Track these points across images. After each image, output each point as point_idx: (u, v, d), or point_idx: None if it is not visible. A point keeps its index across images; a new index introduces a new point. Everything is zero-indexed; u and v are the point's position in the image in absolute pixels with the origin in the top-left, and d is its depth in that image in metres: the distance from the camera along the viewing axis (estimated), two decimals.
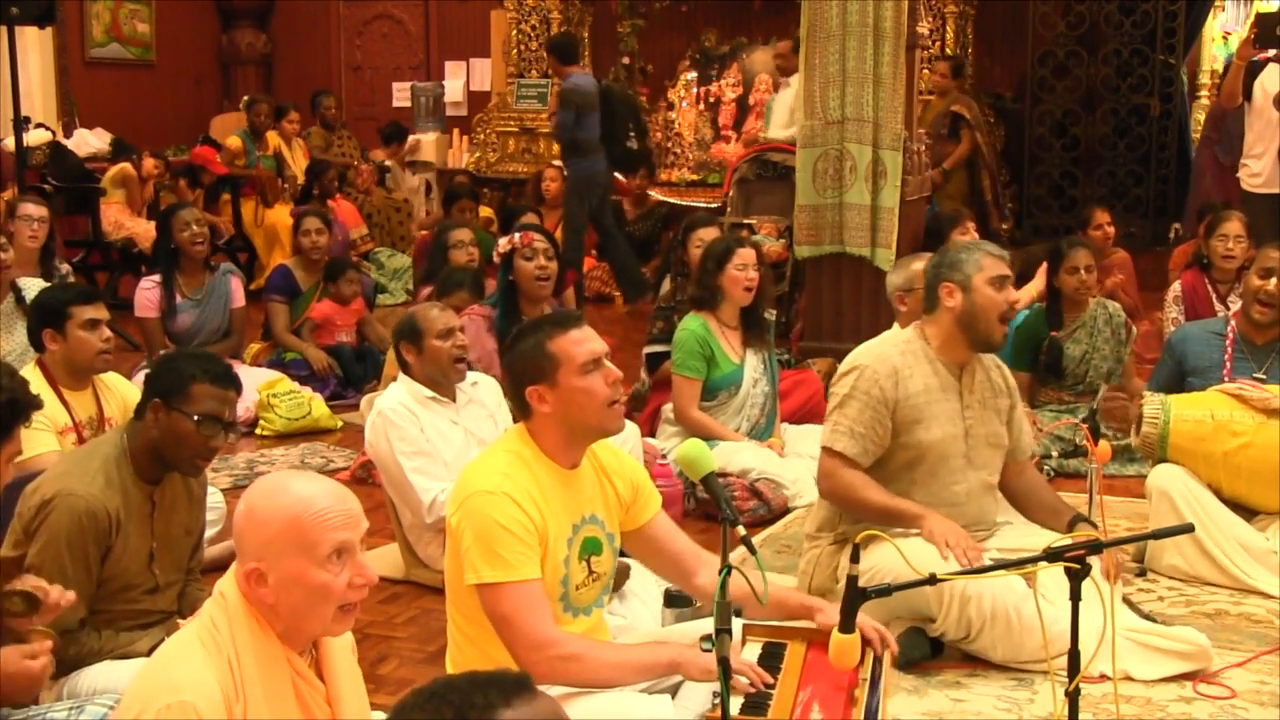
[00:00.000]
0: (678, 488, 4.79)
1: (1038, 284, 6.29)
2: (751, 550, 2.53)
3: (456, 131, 11.90)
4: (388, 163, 11.22)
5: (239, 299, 6.57)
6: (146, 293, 6.38)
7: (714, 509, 3.08)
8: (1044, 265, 5.90)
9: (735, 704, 2.52)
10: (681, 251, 5.88)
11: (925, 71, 9.10)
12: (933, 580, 2.51)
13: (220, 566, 2.81)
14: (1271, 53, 7.73)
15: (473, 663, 2.78)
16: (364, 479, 5.14)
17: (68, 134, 10.68)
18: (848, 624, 2.42)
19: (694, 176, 10.56)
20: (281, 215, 9.65)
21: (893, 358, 3.62)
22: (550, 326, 2.87)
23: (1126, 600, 3.71)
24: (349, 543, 2.12)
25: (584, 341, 2.84)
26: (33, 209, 6.37)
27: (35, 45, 10.80)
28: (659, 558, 3.10)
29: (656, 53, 11.27)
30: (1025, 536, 3.64)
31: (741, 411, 5.13)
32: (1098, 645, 2.67)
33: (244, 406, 5.45)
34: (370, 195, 10.52)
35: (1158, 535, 3.13)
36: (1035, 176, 10.57)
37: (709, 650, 2.27)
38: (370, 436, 4.18)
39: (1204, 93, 11.15)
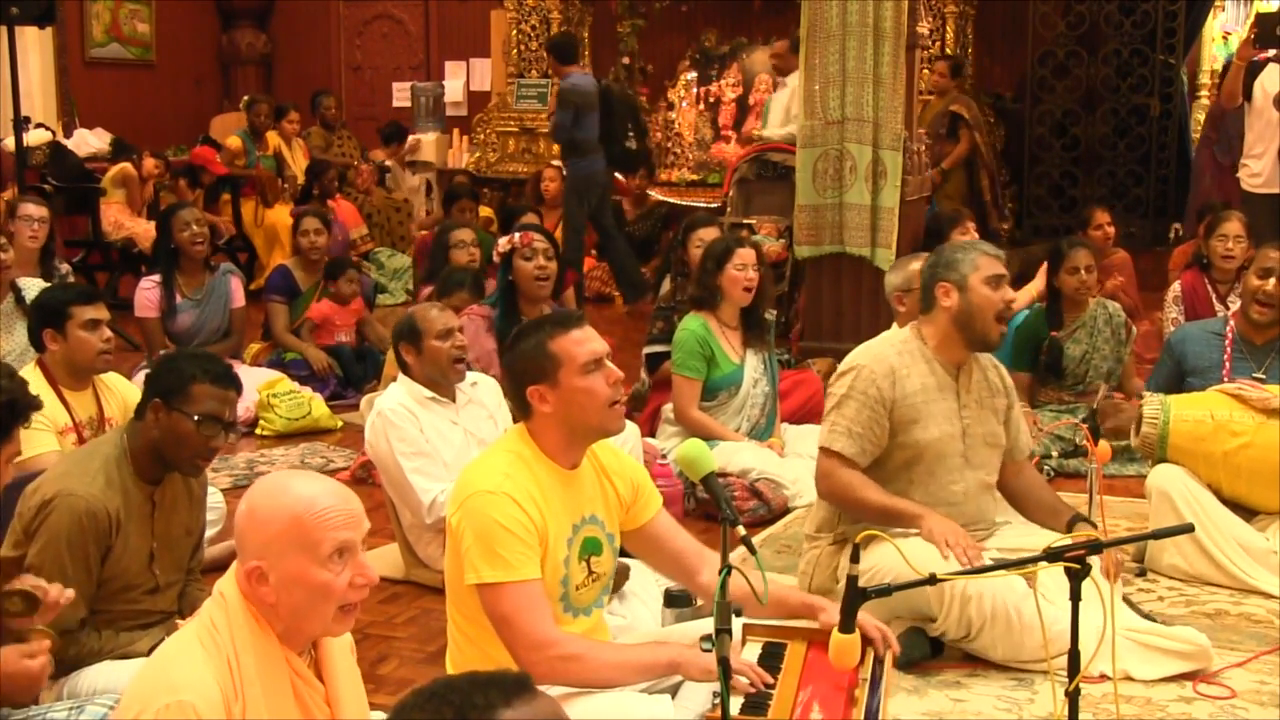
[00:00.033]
0: (678, 488, 4.79)
1: (1038, 284, 6.28)
2: (751, 550, 2.53)
3: (456, 131, 11.89)
4: (388, 163, 11.22)
5: (239, 299, 6.57)
6: (146, 293, 6.38)
7: (714, 509, 3.08)
8: (1044, 265, 5.91)
9: (735, 704, 2.52)
10: (681, 251, 5.87)
11: (925, 71, 9.10)
12: (933, 580, 2.51)
13: (220, 566, 2.80)
14: (1271, 53, 7.72)
15: (473, 663, 2.78)
16: (364, 479, 5.14)
17: (68, 134, 10.67)
18: (848, 624, 2.42)
19: (694, 176, 10.56)
20: (281, 215, 9.65)
21: (890, 357, 3.62)
22: (551, 326, 2.87)
23: (1126, 600, 3.71)
24: (350, 542, 2.12)
25: (585, 341, 2.84)
26: (33, 209, 6.37)
27: (35, 45, 10.79)
28: (661, 556, 3.10)
29: (656, 53, 11.26)
30: (1025, 536, 3.64)
31: (741, 411, 5.13)
32: (1098, 645, 2.67)
33: (244, 406, 5.45)
34: (370, 195, 10.51)
35: (1158, 535, 3.13)
36: (1035, 176, 10.56)
37: (709, 650, 2.27)
38: (370, 437, 4.18)
39: (1204, 93, 11.14)
